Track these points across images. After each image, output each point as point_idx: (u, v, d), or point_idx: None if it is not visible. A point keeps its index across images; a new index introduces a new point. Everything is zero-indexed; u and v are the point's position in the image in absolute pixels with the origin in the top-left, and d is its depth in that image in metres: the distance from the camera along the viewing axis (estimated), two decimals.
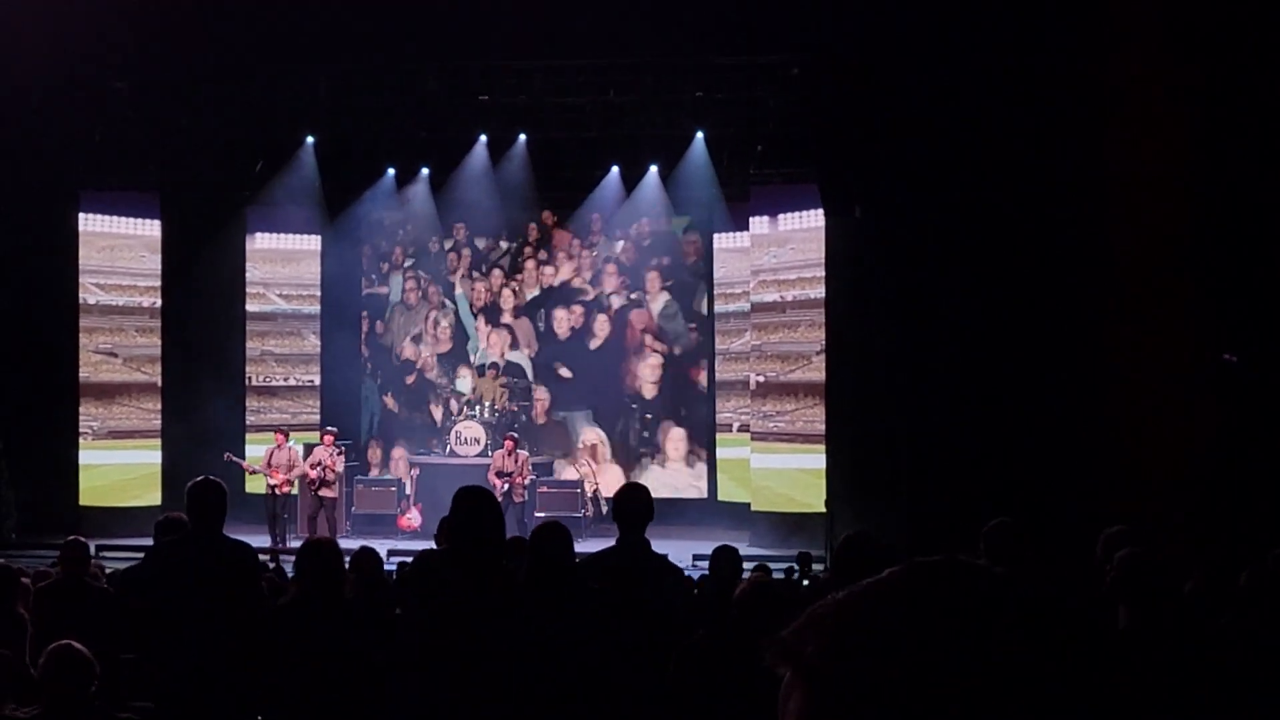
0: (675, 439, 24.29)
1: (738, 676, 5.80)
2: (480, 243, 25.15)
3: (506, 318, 25.06)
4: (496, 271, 25.15)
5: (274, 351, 24.54)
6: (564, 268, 24.95)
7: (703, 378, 24.17)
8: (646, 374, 24.41)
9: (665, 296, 24.44)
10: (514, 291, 25.01)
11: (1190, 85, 15.43)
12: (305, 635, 6.52)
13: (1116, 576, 5.63)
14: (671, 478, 23.93)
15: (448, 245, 25.24)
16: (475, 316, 25.17)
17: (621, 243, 24.50)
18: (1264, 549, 6.28)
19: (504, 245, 25.11)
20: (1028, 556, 6.56)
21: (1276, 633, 5.78)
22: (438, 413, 24.87)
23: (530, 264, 25.01)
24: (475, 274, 25.20)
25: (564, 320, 24.85)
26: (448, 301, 25.31)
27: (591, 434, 24.50)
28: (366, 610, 7.03)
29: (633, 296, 24.55)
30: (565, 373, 24.72)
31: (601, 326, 24.71)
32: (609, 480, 22.61)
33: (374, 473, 24.07)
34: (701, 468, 24.06)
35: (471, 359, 25.14)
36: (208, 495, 7.18)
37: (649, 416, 24.43)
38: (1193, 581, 7.22)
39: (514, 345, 24.99)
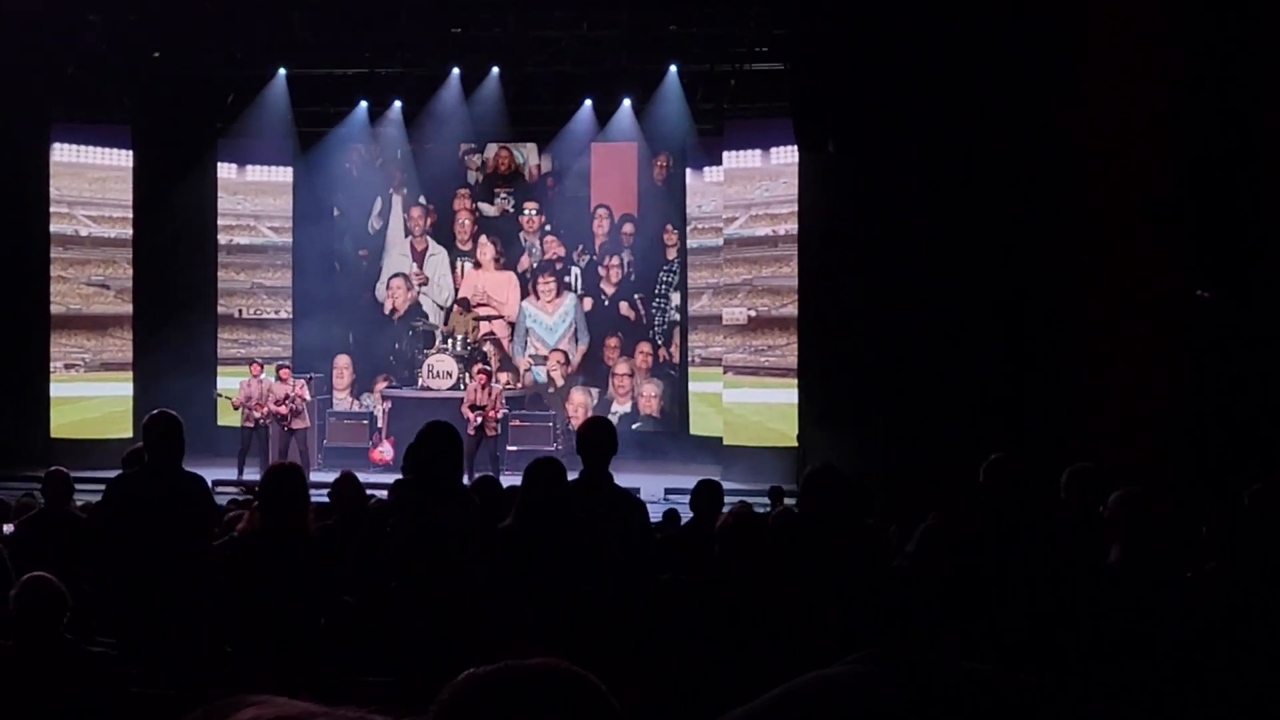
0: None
1: (721, 609, 5.81)
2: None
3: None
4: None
5: (264, 284, 24.48)
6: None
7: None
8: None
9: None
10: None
11: (1173, 20, 15.40)
12: (266, 565, 6.52)
13: (1112, 516, 5.65)
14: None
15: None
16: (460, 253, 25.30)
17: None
18: (1238, 487, 6.29)
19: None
20: (1028, 491, 6.60)
21: (1250, 571, 5.81)
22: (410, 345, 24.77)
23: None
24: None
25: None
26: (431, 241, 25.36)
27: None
28: (331, 539, 7.03)
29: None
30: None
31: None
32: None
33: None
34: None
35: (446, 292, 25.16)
36: (164, 428, 7.15)
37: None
38: (1171, 521, 7.25)
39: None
